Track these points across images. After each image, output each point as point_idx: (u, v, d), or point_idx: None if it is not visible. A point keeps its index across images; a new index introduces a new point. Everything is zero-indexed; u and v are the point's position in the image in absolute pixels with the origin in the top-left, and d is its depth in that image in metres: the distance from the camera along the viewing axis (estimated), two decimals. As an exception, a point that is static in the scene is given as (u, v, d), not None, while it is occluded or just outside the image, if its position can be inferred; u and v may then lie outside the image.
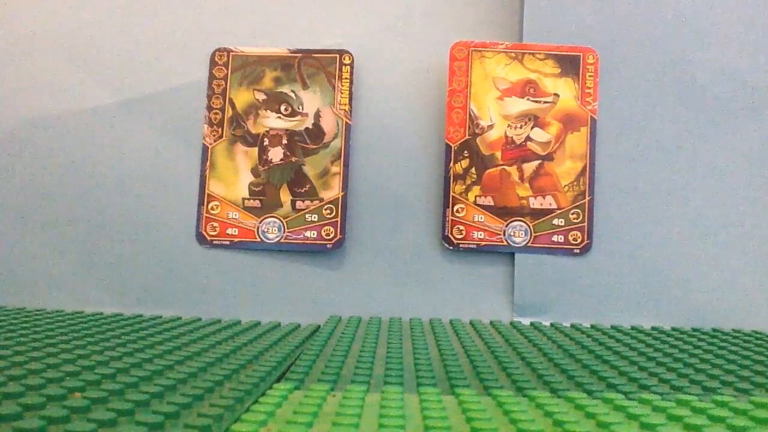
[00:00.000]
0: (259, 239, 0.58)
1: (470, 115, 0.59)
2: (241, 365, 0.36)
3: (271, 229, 0.58)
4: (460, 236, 0.58)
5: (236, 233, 0.58)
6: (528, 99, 0.59)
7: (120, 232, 0.59)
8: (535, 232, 0.58)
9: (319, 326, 0.52)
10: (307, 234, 0.58)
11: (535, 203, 0.58)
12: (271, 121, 0.60)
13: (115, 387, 0.29)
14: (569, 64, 0.59)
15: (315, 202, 0.58)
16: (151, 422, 0.25)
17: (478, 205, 0.58)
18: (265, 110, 0.60)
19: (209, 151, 0.59)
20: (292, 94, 0.60)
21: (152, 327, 0.47)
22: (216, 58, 0.61)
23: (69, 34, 0.62)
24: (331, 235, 0.58)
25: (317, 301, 0.58)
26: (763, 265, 0.58)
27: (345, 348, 0.41)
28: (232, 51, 0.61)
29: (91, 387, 0.30)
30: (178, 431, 0.25)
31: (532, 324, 0.55)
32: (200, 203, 0.59)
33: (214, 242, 0.58)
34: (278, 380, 0.34)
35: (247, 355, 0.38)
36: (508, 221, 0.58)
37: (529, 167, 0.58)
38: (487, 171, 0.58)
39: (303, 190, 0.58)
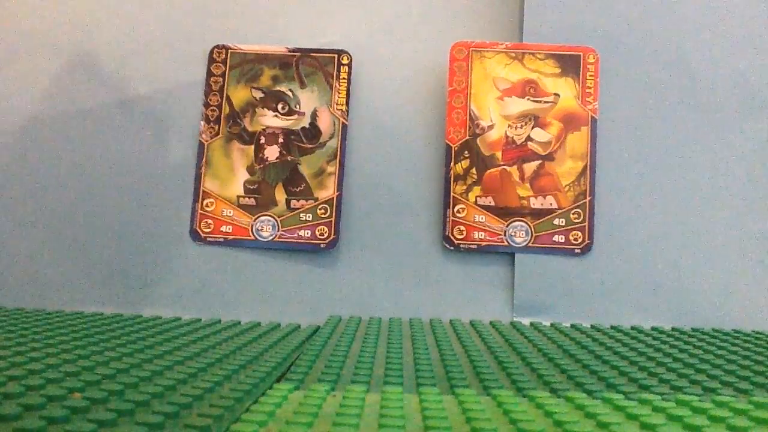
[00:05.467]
0: (253, 237, 0.58)
1: (470, 115, 0.59)
2: (241, 365, 0.36)
3: (265, 228, 0.58)
4: (460, 236, 0.58)
5: (230, 231, 0.58)
6: (528, 99, 0.59)
7: (118, 230, 0.59)
8: (535, 232, 0.58)
9: (319, 327, 0.52)
10: (301, 233, 0.58)
11: (536, 203, 0.58)
12: (268, 119, 0.60)
13: (115, 387, 0.29)
14: (569, 64, 0.59)
15: (310, 201, 0.58)
16: (151, 422, 0.25)
17: (479, 206, 0.58)
18: (263, 108, 0.60)
19: (205, 148, 0.59)
20: (290, 93, 0.60)
21: (152, 327, 0.47)
22: (214, 55, 0.61)
23: (67, 31, 0.62)
24: (325, 235, 0.58)
25: (316, 301, 0.58)
26: (763, 265, 0.58)
27: (345, 348, 0.41)
28: (231, 48, 0.61)
29: (91, 387, 0.30)
30: (178, 431, 0.25)
31: (532, 324, 0.55)
32: (195, 200, 0.59)
33: (208, 239, 0.58)
34: (278, 380, 0.34)
35: (247, 356, 0.38)
36: (509, 221, 0.58)
37: (530, 167, 0.58)
38: (488, 171, 0.58)
39: (298, 189, 0.58)
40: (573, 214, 0.58)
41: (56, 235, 0.59)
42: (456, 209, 0.58)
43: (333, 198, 0.58)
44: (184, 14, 0.62)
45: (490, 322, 0.55)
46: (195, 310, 0.57)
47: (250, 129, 0.60)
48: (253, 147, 0.59)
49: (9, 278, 0.58)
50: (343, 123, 0.60)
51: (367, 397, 0.30)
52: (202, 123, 0.60)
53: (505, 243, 0.58)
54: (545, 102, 0.59)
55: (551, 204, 0.58)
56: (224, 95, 0.60)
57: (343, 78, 0.60)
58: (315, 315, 0.57)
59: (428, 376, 0.34)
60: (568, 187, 0.58)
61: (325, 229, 0.58)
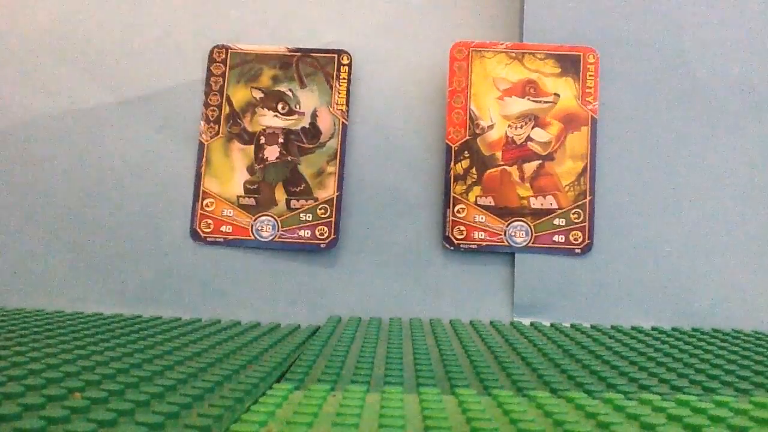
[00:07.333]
0: (253, 237, 0.58)
1: (470, 115, 0.59)
2: (241, 365, 0.36)
3: (265, 228, 0.58)
4: (461, 236, 0.58)
5: (230, 231, 0.58)
6: (528, 99, 0.59)
7: (118, 230, 0.59)
8: (536, 232, 0.58)
9: (319, 327, 0.52)
10: (301, 233, 0.58)
11: (536, 203, 0.58)
12: (268, 119, 0.60)
13: (115, 387, 0.29)
14: (569, 64, 0.59)
15: (310, 201, 0.58)
16: (151, 422, 0.25)
17: (479, 206, 0.58)
18: (263, 108, 0.60)
19: (205, 148, 0.59)
20: (290, 93, 0.60)
21: (152, 327, 0.47)
22: (214, 55, 0.61)
23: (67, 32, 0.62)
24: (325, 235, 0.58)
25: (316, 301, 0.58)
26: (763, 265, 0.58)
27: (345, 348, 0.41)
28: (231, 48, 0.61)
29: (91, 387, 0.30)
30: (178, 431, 0.25)
31: (532, 324, 0.55)
32: (195, 200, 0.59)
33: (208, 239, 0.58)
34: (278, 380, 0.34)
35: (247, 356, 0.38)
36: (509, 221, 0.58)
37: (530, 167, 0.58)
38: (488, 171, 0.58)
39: (298, 189, 0.58)
40: (573, 214, 0.58)
41: (56, 235, 0.59)
42: (456, 209, 0.58)
43: (333, 198, 0.58)
44: (184, 14, 0.62)
45: (490, 322, 0.55)
46: (195, 310, 0.57)
47: (250, 129, 0.60)
48: (253, 147, 0.59)
49: (9, 278, 0.58)
50: (343, 123, 0.60)
51: (367, 397, 0.30)
52: (202, 123, 0.60)
53: (505, 243, 0.58)
54: (545, 102, 0.59)
55: (551, 204, 0.58)
56: (224, 95, 0.60)
57: (343, 78, 0.60)
58: (315, 315, 0.57)
59: (428, 376, 0.34)
60: (568, 187, 0.58)
61: (325, 229, 0.58)
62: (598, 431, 0.27)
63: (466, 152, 0.59)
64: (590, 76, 0.59)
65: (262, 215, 0.58)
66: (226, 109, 0.60)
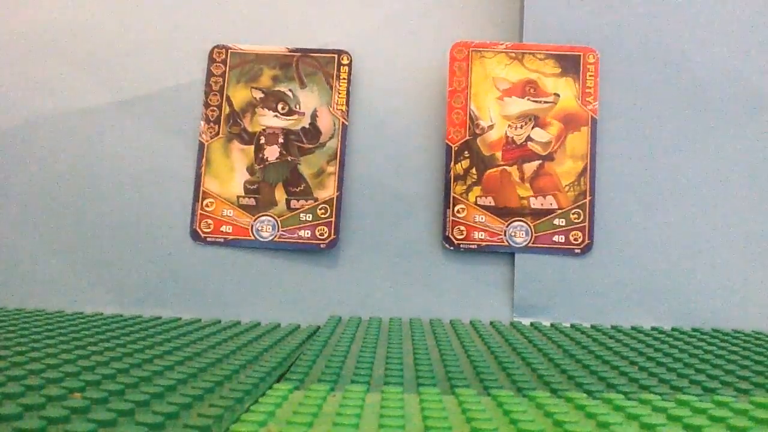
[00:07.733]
0: (253, 237, 0.58)
1: (470, 115, 0.59)
2: (241, 365, 0.36)
3: (265, 228, 0.58)
4: (461, 236, 0.58)
5: (230, 231, 0.58)
6: (528, 99, 0.59)
7: (118, 230, 0.59)
8: (535, 233, 0.58)
9: (319, 327, 0.52)
10: (301, 233, 0.58)
11: (536, 203, 0.58)
12: (268, 119, 0.60)
13: (115, 387, 0.29)
14: (569, 64, 0.59)
15: (310, 201, 0.58)
16: (151, 422, 0.25)
17: (479, 206, 0.58)
18: (263, 108, 0.60)
19: (205, 148, 0.59)
20: (290, 93, 0.60)
21: (152, 327, 0.47)
22: (214, 55, 0.61)
23: (67, 32, 0.62)
24: (325, 235, 0.58)
25: (316, 301, 0.58)
26: (763, 265, 0.58)
27: (345, 348, 0.41)
28: (231, 48, 0.61)
29: (91, 387, 0.30)
30: (178, 431, 0.25)
31: (532, 324, 0.55)
32: (195, 200, 0.59)
33: (208, 239, 0.58)
34: (278, 380, 0.34)
35: (247, 356, 0.38)
36: (509, 221, 0.58)
37: (530, 167, 0.58)
38: (488, 171, 0.59)
39: (298, 190, 0.58)
40: (573, 214, 0.58)
41: (56, 235, 0.59)
42: (456, 209, 0.58)
43: (333, 198, 0.58)
44: (184, 14, 0.62)
45: (490, 322, 0.55)
46: (195, 310, 0.57)
47: (250, 129, 0.60)
48: (253, 147, 0.59)
49: (10, 278, 0.58)
50: (343, 123, 0.60)
51: (367, 397, 0.30)
52: (202, 123, 0.60)
53: (505, 243, 0.58)
54: (545, 102, 0.59)
55: (551, 204, 0.58)
56: (224, 95, 0.60)
57: (343, 78, 0.60)
58: (315, 315, 0.57)
59: (428, 376, 0.34)
60: (568, 187, 0.58)
61: (325, 229, 0.58)
62: (598, 431, 0.27)
63: (466, 152, 0.59)
64: (590, 76, 0.59)
65: (262, 215, 0.58)
66: (226, 109, 0.60)
